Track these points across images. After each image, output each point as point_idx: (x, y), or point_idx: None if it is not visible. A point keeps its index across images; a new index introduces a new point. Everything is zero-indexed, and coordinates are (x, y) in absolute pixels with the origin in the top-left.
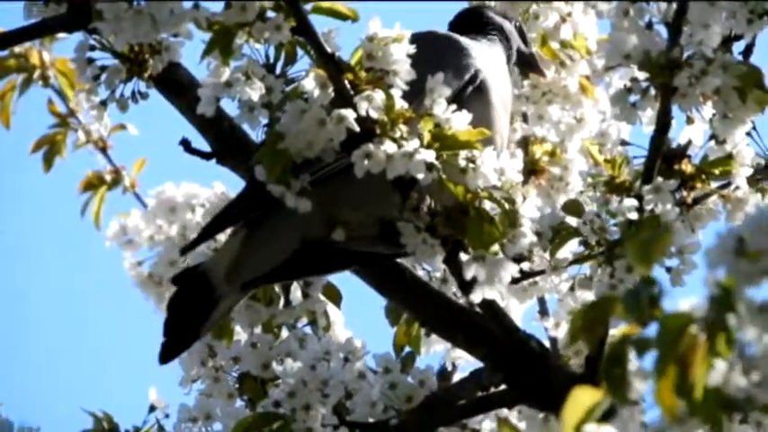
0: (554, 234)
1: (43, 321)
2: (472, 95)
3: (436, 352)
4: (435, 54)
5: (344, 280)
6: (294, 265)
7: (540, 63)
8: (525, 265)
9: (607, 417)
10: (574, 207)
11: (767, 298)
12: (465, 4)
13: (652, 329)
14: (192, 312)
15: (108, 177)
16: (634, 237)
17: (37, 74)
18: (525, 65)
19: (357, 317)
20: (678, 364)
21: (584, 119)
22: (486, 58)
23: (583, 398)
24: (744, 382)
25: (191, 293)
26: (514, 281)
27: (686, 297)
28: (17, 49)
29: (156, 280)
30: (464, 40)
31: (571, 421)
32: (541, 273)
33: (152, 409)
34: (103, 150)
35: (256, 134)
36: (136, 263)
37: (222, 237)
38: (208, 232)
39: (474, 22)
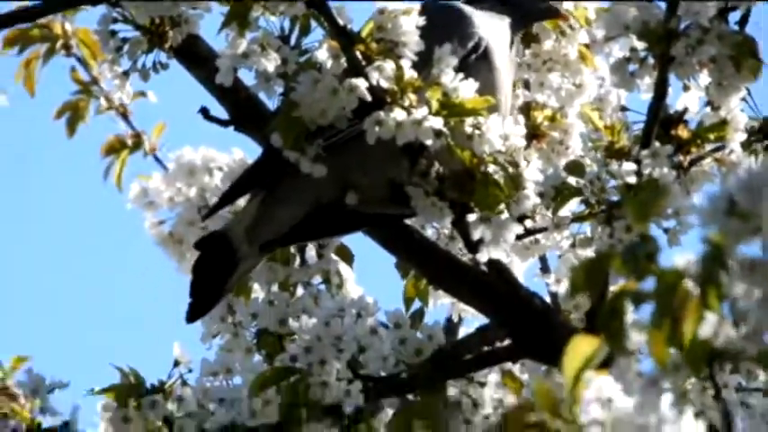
0: (556, 193)
1: (69, 282)
2: (477, 61)
3: (443, 304)
4: (441, 23)
5: (356, 240)
6: (309, 226)
7: (557, 9)
8: (528, 223)
9: (605, 365)
10: (576, 168)
11: (756, 255)
12: None
13: (648, 284)
14: (215, 273)
15: (129, 141)
16: (633, 199)
17: (60, 43)
18: (545, 16)
19: (368, 273)
20: (671, 317)
21: (583, 85)
22: (489, 26)
23: (582, 347)
24: (734, 334)
25: (213, 256)
26: (518, 237)
27: (682, 255)
28: (40, 19)
29: (177, 239)
30: (468, 9)
31: (571, 368)
32: (544, 230)
33: (176, 363)
34: (124, 116)
35: (272, 103)
36: (157, 222)
37: (241, 201)
38: (228, 198)
39: None
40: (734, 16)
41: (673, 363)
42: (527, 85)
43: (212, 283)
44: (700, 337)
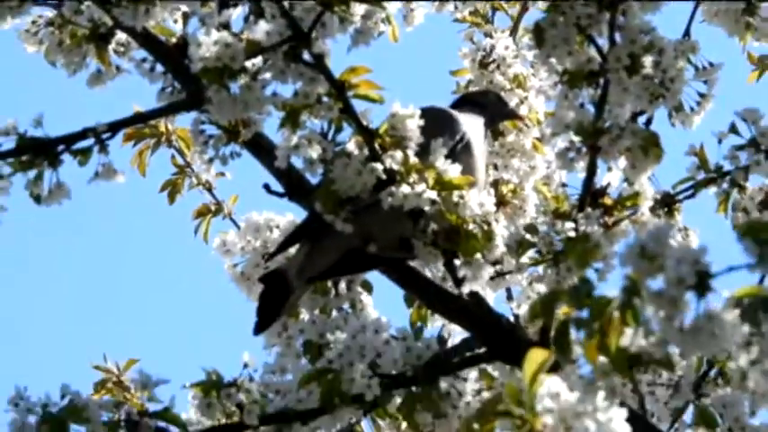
0: (517, 246)
1: (170, 307)
2: (461, 150)
3: (437, 326)
4: (436, 122)
5: (376, 277)
6: (341, 266)
7: (516, 112)
8: (498, 267)
9: (554, 369)
10: (531, 228)
11: (660, 287)
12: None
13: (586, 312)
14: (274, 300)
15: (212, 208)
16: (573, 249)
17: (163, 138)
18: (508, 117)
19: (385, 302)
20: (600, 332)
21: (536, 167)
22: (470, 124)
23: (537, 356)
24: (645, 344)
25: (274, 287)
26: (491, 278)
27: (609, 289)
28: (150, 121)
29: (246, 277)
30: (454, 113)
31: (529, 372)
32: (510, 272)
33: (245, 366)
34: (209, 190)
35: (315, 180)
36: (232, 265)
37: (292, 250)
38: (282, 247)
39: (462, 102)
40: (642, 118)
41: (603, 369)
42: (496, 167)
43: (272, 306)
44: (621, 346)
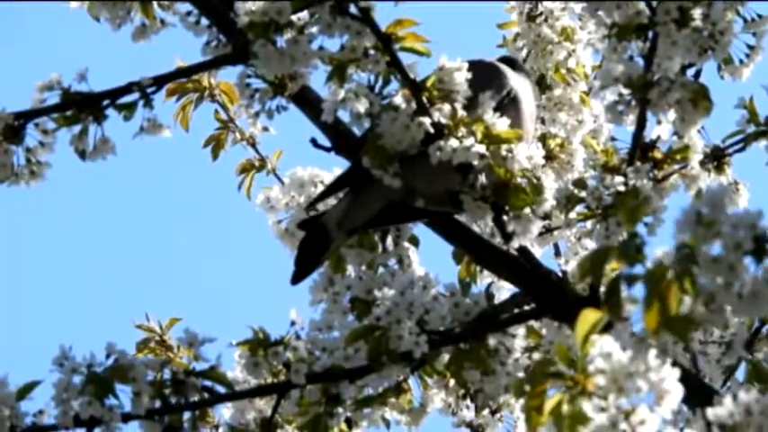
0: (566, 201)
1: (211, 267)
2: (509, 104)
3: (486, 282)
4: (484, 75)
5: (424, 233)
6: (382, 217)
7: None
8: (546, 222)
9: (606, 329)
10: (580, 182)
11: (718, 252)
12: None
13: (637, 269)
14: (313, 250)
15: (256, 164)
16: (623, 204)
17: (207, 93)
18: None
19: (433, 259)
20: (660, 299)
21: (583, 121)
22: (518, 80)
23: (589, 316)
24: (703, 310)
25: (313, 237)
26: (540, 234)
27: (658, 246)
28: (193, 75)
29: (290, 233)
30: (503, 67)
31: (581, 333)
32: (558, 228)
33: (292, 323)
34: (253, 145)
35: (361, 134)
36: (277, 221)
37: (331, 200)
38: (325, 194)
39: (512, 63)
40: (691, 71)
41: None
42: (543, 121)
43: (311, 256)
44: (681, 314)
